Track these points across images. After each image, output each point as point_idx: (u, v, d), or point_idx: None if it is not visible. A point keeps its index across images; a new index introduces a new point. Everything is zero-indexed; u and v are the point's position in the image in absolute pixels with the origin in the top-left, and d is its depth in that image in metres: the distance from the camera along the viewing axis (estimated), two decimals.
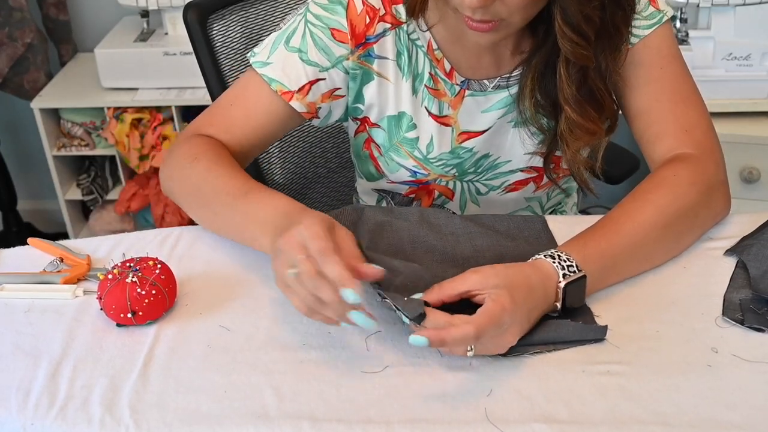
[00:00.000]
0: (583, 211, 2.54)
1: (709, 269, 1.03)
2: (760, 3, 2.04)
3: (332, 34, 1.11)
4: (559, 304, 0.92)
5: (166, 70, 2.37)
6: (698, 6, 2.11)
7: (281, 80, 1.12)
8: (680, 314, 0.95)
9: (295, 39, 1.12)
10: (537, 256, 0.94)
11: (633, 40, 1.12)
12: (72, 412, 0.84)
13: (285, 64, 1.12)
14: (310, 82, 1.12)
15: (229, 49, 1.46)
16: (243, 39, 1.47)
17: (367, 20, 1.11)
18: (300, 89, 1.12)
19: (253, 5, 1.49)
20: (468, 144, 1.20)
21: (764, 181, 2.15)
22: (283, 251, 0.88)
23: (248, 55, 1.15)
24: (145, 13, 2.43)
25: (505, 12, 0.98)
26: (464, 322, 0.84)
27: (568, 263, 0.93)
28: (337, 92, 1.16)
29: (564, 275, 0.92)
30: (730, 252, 1.05)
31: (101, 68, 2.38)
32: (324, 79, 1.13)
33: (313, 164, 1.59)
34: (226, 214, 1.03)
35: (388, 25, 1.12)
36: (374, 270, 0.87)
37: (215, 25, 1.44)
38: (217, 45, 1.44)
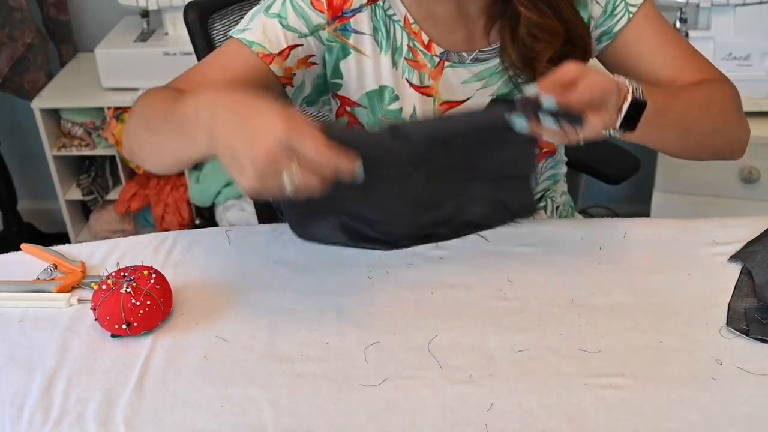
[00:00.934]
0: (583, 211, 2.53)
1: (713, 276, 1.02)
2: (760, 3, 2.02)
3: (311, 2, 1.13)
4: (625, 106, 0.95)
5: (166, 70, 2.33)
6: (698, 6, 2.10)
7: (262, 42, 1.11)
8: (684, 324, 0.94)
9: (274, 7, 1.13)
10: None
11: (632, 9, 1.17)
12: (66, 427, 0.83)
13: (265, 28, 1.12)
14: (289, 46, 1.12)
15: None
16: None
17: None
18: (280, 53, 1.12)
19: (253, 5, 1.48)
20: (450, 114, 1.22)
21: (764, 181, 2.13)
22: (256, 164, 0.80)
23: (229, 33, 1.13)
24: (145, 13, 2.42)
25: None
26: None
27: (636, 85, 0.97)
28: (311, 59, 1.16)
29: (632, 90, 0.96)
30: (734, 258, 1.04)
31: (101, 68, 2.37)
32: (302, 45, 1.14)
33: None
34: (165, 130, 0.97)
35: (364, 1, 1.15)
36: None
37: (216, 24, 1.44)
38: (218, 45, 1.44)
